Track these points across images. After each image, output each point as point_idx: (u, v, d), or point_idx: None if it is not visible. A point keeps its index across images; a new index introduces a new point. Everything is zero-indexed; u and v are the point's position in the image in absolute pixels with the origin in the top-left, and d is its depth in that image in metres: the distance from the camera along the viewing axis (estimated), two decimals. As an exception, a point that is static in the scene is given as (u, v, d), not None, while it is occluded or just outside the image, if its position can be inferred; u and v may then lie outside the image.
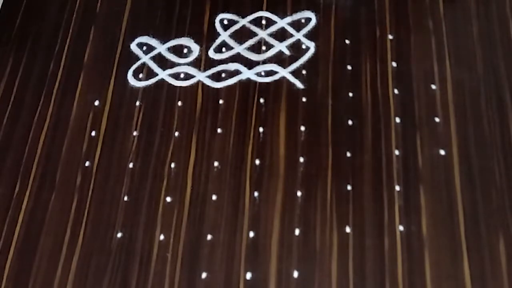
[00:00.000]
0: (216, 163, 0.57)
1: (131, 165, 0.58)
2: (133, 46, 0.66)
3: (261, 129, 0.59)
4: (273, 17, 0.66)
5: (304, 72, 0.62)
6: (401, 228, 0.52)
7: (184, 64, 0.64)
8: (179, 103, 0.61)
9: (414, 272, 0.50)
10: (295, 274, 0.51)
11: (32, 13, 0.70)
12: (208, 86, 0.62)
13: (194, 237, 0.53)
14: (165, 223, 0.54)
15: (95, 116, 0.61)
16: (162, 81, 0.63)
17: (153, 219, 0.55)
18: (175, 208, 0.55)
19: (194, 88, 0.62)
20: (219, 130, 0.59)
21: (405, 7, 0.66)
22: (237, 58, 0.64)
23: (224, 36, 0.65)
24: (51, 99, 0.63)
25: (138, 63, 0.65)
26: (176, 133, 0.60)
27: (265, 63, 0.63)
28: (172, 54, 0.65)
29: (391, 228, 0.52)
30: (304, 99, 0.61)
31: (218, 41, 0.65)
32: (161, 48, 0.65)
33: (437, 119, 0.58)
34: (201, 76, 0.63)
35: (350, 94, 0.60)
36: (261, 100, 0.61)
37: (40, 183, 0.58)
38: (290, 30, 0.65)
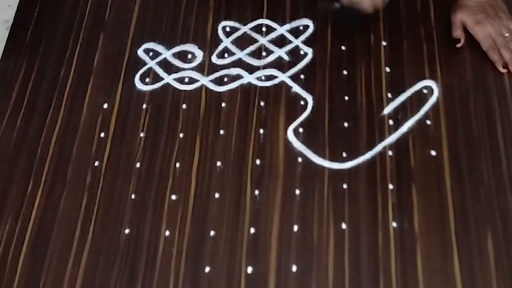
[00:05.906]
0: (218, 163, 0.58)
1: (138, 165, 0.59)
2: (140, 52, 0.67)
3: (261, 131, 0.60)
4: (273, 25, 0.67)
5: (302, 76, 0.63)
6: (394, 224, 0.53)
7: (188, 69, 0.65)
8: (184, 106, 0.62)
9: (407, 266, 0.51)
10: (294, 268, 0.52)
11: (44, 21, 0.71)
12: (211, 90, 0.63)
13: (198, 233, 0.54)
14: (170, 220, 0.55)
15: (104, 118, 0.62)
16: (167, 85, 0.64)
17: (159, 216, 0.55)
18: (180, 206, 0.56)
19: (198, 91, 0.63)
20: (221, 132, 0.60)
21: (398, 15, 0.67)
22: (239, 63, 0.65)
23: (226, 42, 0.66)
24: (62, 102, 0.64)
25: (145, 68, 0.65)
26: (181, 135, 0.61)
27: (265, 68, 0.64)
28: (177, 60, 0.66)
29: (384, 225, 0.53)
30: (302, 103, 0.62)
31: (220, 47, 0.66)
32: (167, 54, 0.66)
33: (428, 122, 0.59)
34: (205, 81, 0.64)
35: (346, 98, 0.61)
36: (262, 103, 0.62)
37: (52, 182, 0.58)
38: (289, 36, 0.66)
